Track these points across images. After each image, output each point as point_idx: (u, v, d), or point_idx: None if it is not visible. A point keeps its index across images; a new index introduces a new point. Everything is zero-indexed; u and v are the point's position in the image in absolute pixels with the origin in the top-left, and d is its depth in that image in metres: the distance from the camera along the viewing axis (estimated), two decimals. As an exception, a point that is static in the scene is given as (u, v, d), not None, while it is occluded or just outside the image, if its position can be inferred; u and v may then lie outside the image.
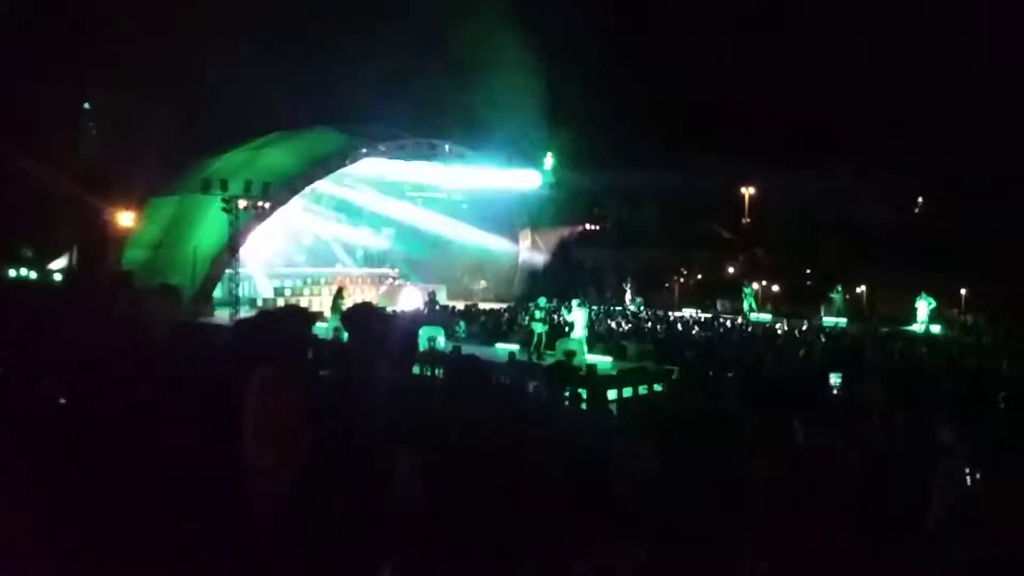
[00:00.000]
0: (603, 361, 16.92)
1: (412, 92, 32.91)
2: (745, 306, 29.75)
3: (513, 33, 31.74)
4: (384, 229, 37.58)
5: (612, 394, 11.50)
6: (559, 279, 36.51)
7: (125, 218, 28.20)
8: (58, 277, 28.35)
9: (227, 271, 25.04)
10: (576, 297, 19.15)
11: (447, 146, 31.96)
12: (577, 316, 18.05)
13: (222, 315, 24.01)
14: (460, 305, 28.96)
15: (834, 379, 9.18)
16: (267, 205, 25.23)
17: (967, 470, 4.22)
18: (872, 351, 17.96)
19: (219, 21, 32.91)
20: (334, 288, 25.83)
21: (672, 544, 3.84)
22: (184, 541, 3.60)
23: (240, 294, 24.86)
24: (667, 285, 43.80)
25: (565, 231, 40.24)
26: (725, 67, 46.97)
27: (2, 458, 4.14)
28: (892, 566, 3.15)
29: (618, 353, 18.28)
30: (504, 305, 29.25)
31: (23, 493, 3.99)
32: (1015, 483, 3.23)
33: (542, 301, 19.45)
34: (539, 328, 18.49)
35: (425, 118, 32.13)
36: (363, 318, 3.60)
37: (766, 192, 43.80)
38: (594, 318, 24.29)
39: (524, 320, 19.18)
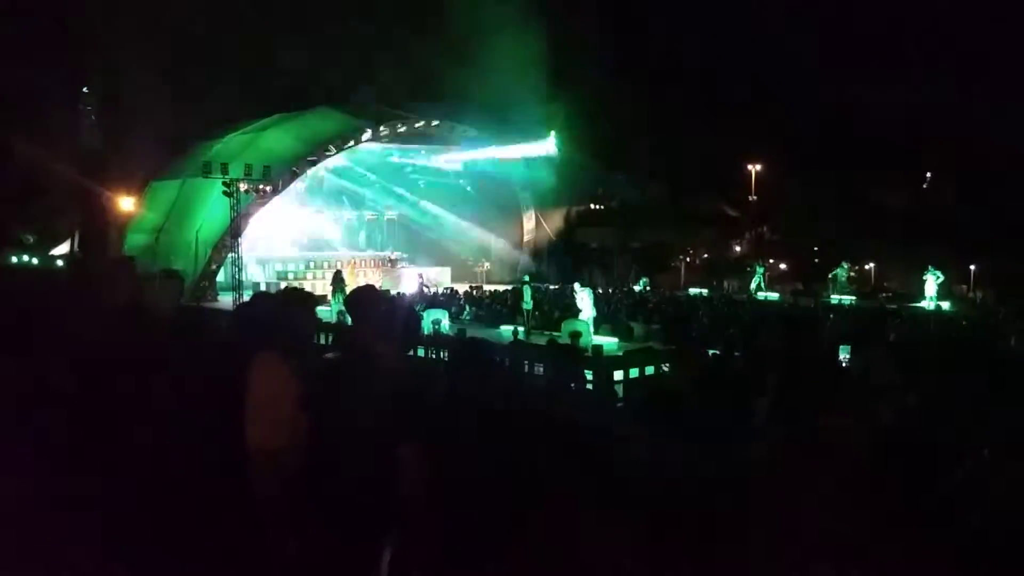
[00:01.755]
0: (609, 342, 16.81)
1: (412, 72, 32.66)
2: (753, 285, 29.61)
3: (514, 9, 31.40)
4: (387, 211, 37.47)
5: (618, 375, 11.41)
6: (564, 260, 36.38)
7: (126, 203, 28.14)
8: (60, 263, 28.35)
9: (229, 255, 24.96)
10: (580, 278, 19.15)
11: (449, 126, 31.73)
12: (582, 297, 18.02)
13: (225, 300, 23.98)
14: (464, 287, 28.86)
15: (843, 354, 9.06)
16: (268, 188, 25.09)
17: (980, 447, 4.12)
18: (882, 327, 17.84)
19: (217, 2, 32.66)
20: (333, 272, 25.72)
21: (678, 527, 3.76)
22: (191, 522, 3.56)
23: (243, 278, 24.80)
24: (673, 265, 43.58)
25: (570, 211, 40.00)
26: (731, 43, 46.55)
27: (15, 440, 4.12)
28: (903, 544, 3.07)
29: (624, 334, 18.19)
30: (505, 287, 29.14)
31: (33, 474, 3.97)
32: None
33: (526, 277, 20.48)
34: (527, 306, 19.20)
35: (425, 98, 31.88)
36: (366, 301, 3.54)
37: (773, 169, 43.43)
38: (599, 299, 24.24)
39: (523, 301, 19.70)
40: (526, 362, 10.46)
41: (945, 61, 42.48)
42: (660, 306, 22.64)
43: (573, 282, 19.26)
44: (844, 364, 7.77)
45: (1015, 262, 31.45)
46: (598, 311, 18.60)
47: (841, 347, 9.22)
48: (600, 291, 29.05)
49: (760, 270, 30.44)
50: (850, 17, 45.04)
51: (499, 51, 30.73)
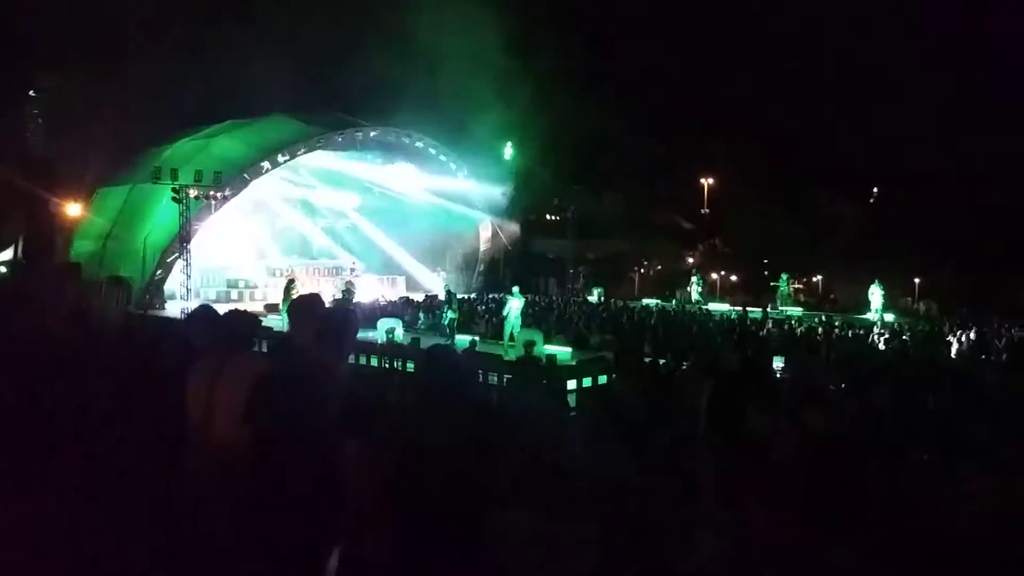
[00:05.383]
0: (563, 351, 16.91)
1: (369, 82, 32.55)
2: (693, 295, 30.04)
3: (471, 20, 31.51)
4: (341, 220, 37.11)
5: (571, 384, 11.49)
6: (520, 270, 36.46)
7: (73, 208, 27.49)
8: (3, 269, 27.52)
9: (178, 263, 24.56)
10: (515, 286, 19.39)
11: (405, 136, 31.65)
12: (513, 305, 18.31)
13: (173, 308, 23.57)
14: (419, 296, 28.77)
15: (777, 363, 9.30)
16: (219, 195, 24.76)
17: (915, 454, 4.27)
18: (822, 338, 18.27)
19: (170, 7, 32.19)
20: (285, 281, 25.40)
21: (626, 533, 3.83)
22: (136, 528, 3.51)
23: (191, 286, 24.40)
24: (628, 276, 44.08)
25: (526, 222, 40.14)
26: (684, 59, 47.31)
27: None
28: (836, 550, 3.17)
29: (578, 343, 18.32)
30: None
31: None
32: (960, 467, 3.26)
33: (446, 287, 21.42)
34: (451, 314, 19.58)
35: (381, 107, 31.78)
36: (306, 308, 3.56)
37: (725, 182, 44.24)
38: (555, 308, 24.41)
39: (444, 309, 19.92)
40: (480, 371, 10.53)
41: (893, 76, 43.75)
42: (614, 316, 22.87)
43: (520, 292, 19.31)
44: (779, 374, 7.97)
45: (958, 275, 32.49)
46: (526, 319, 18.78)
47: (775, 357, 9.45)
48: (555, 300, 29.25)
49: (697, 280, 30.92)
50: (800, 32, 46.16)
51: (456, 63, 30.82)
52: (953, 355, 17.42)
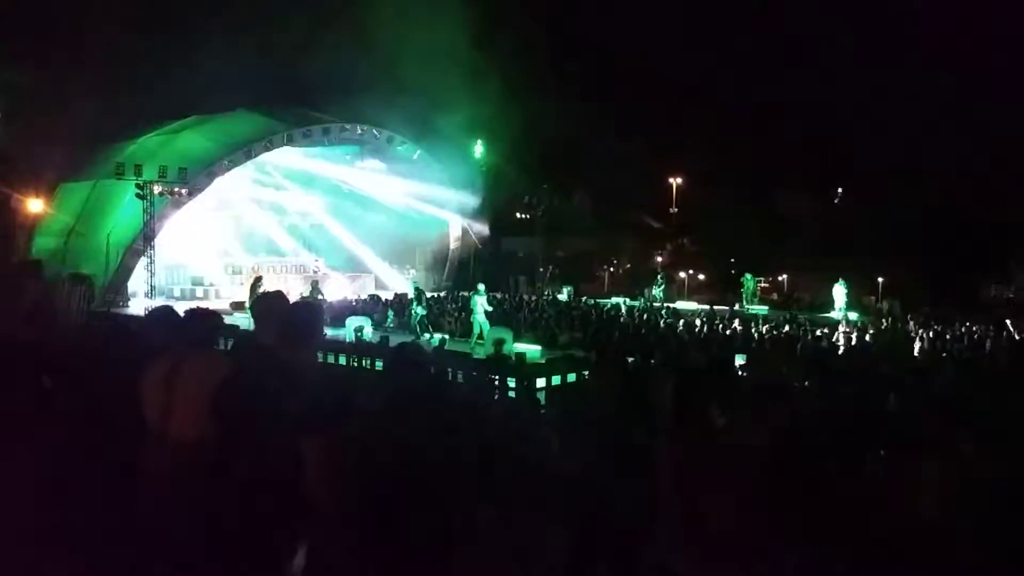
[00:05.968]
0: (532, 350, 16.96)
1: (335, 78, 32.30)
2: (657, 293, 30.35)
3: (440, 17, 31.41)
4: (308, 218, 36.80)
5: (541, 382, 11.54)
6: (490, 269, 36.43)
7: (34, 204, 26.98)
8: (-40, 267, 26.89)
9: (142, 260, 24.22)
10: (480, 284, 19.47)
11: (374, 132, 31.48)
12: (478, 302, 18.37)
13: (137, 306, 23.25)
14: (389, 295, 28.65)
15: (739, 360, 9.42)
16: (184, 191, 24.44)
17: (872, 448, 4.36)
18: (787, 336, 18.52)
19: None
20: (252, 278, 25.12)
21: (593, 530, 3.86)
22: (97, 529, 3.47)
23: (156, 284, 24.06)
24: (598, 274, 44.30)
25: (496, 220, 40.10)
26: (654, 59, 47.65)
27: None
28: (800, 545, 3.21)
29: (547, 341, 18.39)
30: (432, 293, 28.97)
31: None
32: (913, 461, 3.33)
33: (414, 284, 21.55)
34: (419, 312, 19.44)
35: (349, 104, 31.56)
36: (270, 306, 3.54)
37: (693, 182, 44.58)
38: (525, 306, 24.46)
39: (413, 306, 19.87)
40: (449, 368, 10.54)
41: (862, 74, 44.44)
42: (583, 314, 22.97)
43: (485, 290, 19.33)
44: (741, 371, 8.07)
45: (921, 273, 33.09)
46: (490, 317, 18.84)
47: (738, 355, 9.56)
48: (525, 298, 29.28)
49: (661, 280, 31.20)
50: (766, 33, 46.73)
51: (426, 60, 30.69)
52: (916, 354, 17.69)
